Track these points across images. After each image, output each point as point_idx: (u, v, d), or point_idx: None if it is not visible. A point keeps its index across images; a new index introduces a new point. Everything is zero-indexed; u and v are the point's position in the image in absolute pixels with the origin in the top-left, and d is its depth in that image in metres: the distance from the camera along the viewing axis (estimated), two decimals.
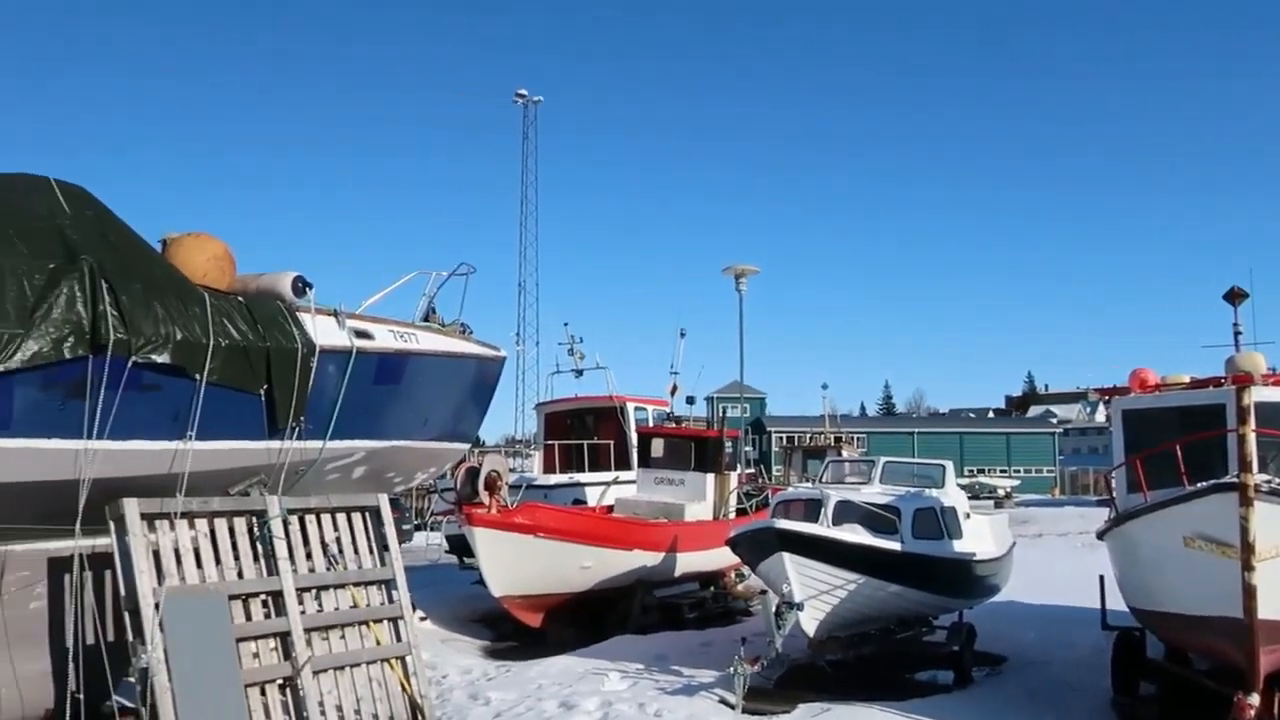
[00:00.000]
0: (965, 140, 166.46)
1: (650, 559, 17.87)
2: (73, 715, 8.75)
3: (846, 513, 13.84)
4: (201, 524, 9.55)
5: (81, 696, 8.86)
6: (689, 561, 18.80)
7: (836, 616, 12.82)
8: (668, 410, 24.13)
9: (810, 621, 12.50)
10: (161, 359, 8.93)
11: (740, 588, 20.87)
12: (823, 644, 13.04)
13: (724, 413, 22.29)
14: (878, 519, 13.68)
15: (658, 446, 20.73)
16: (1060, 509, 48.72)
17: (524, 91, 57.61)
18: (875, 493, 14.61)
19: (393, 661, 10.64)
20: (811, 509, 13.86)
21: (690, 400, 23.81)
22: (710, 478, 20.09)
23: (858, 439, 62.67)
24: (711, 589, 20.05)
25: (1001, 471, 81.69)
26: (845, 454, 33.86)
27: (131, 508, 8.90)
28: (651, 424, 23.46)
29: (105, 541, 9.14)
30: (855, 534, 13.29)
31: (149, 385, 8.93)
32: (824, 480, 16.26)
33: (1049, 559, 25.58)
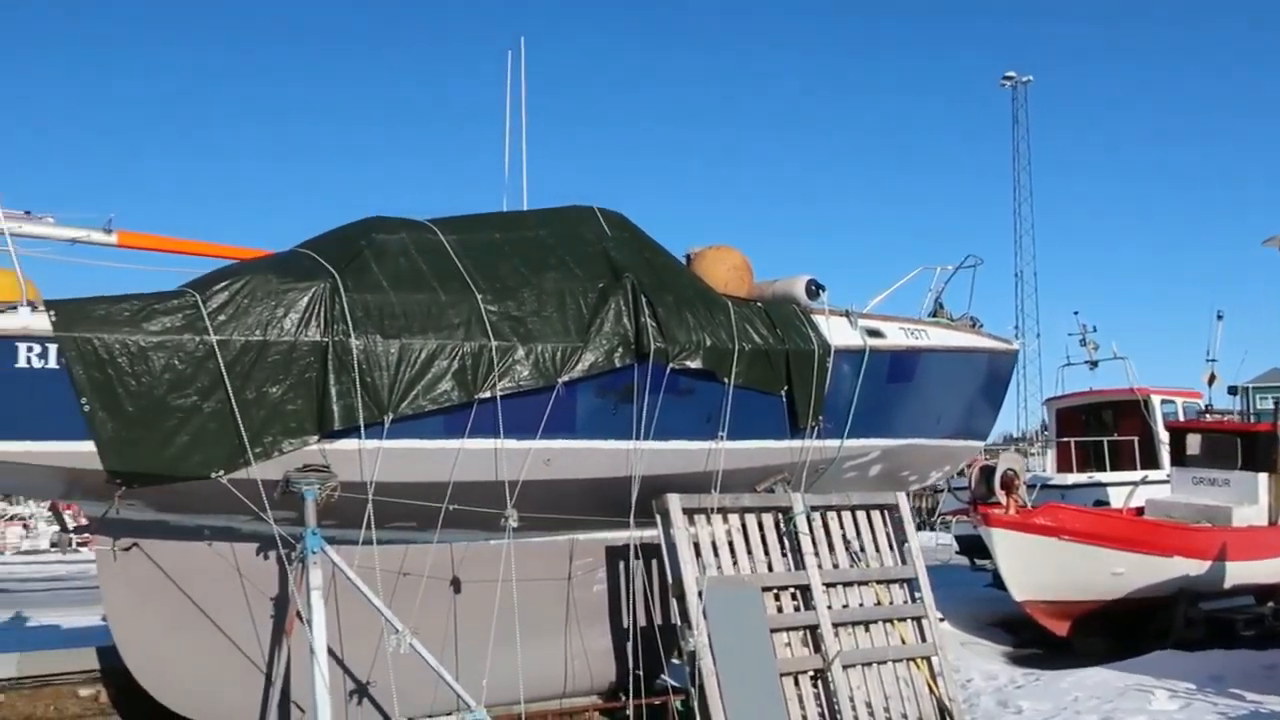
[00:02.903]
0: None
1: (1193, 567, 16.06)
2: (634, 690, 9.66)
3: None
4: (734, 519, 10.14)
5: (640, 672, 9.76)
6: (1241, 571, 16.64)
7: None
8: (1202, 403, 21.64)
9: None
10: (694, 365, 9.62)
11: None
12: None
13: (1276, 404, 19.52)
14: None
15: (1194, 443, 18.61)
16: None
17: (1012, 73, 54.72)
18: None
19: (919, 661, 10.56)
20: None
21: (1232, 390, 21.12)
22: (1263, 478, 17.65)
23: None
24: (1270, 604, 17.58)
25: None
26: None
27: (675, 503, 9.67)
28: (1182, 418, 21.17)
29: (652, 533, 10.02)
30: None
31: (685, 390, 9.65)
32: None
33: None
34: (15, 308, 7.48)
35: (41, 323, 7.49)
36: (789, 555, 10.28)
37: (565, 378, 8.99)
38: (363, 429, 8.25)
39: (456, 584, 9.57)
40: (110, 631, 8.78)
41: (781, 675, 9.62)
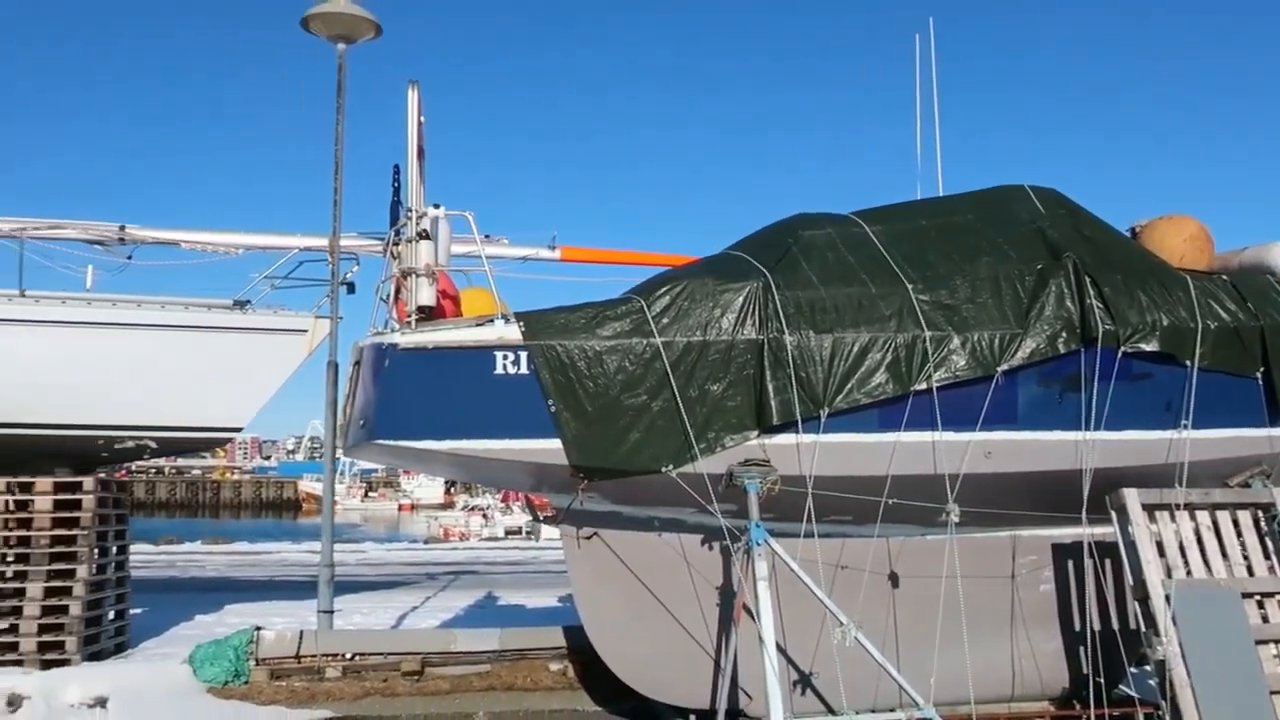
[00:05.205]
0: None
1: None
2: (1092, 698, 9.01)
3: None
4: (1202, 516, 9.14)
5: (1100, 680, 9.09)
6: None
7: None
8: None
9: None
10: (1150, 347, 8.84)
11: None
12: None
13: None
14: None
15: None
16: None
17: None
18: None
19: None
20: None
21: None
22: None
23: None
24: None
25: None
26: None
27: (1132, 498, 8.90)
28: None
29: (1104, 530, 9.29)
30: None
31: (1139, 375, 8.89)
32: None
33: None
34: (492, 321, 8.41)
35: (513, 333, 8.36)
36: (1273, 557, 9.09)
37: (1005, 366, 8.62)
38: (800, 424, 8.38)
39: (894, 579, 9.46)
40: (576, 612, 9.60)
41: (1272, 693, 8.53)
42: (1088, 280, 8.85)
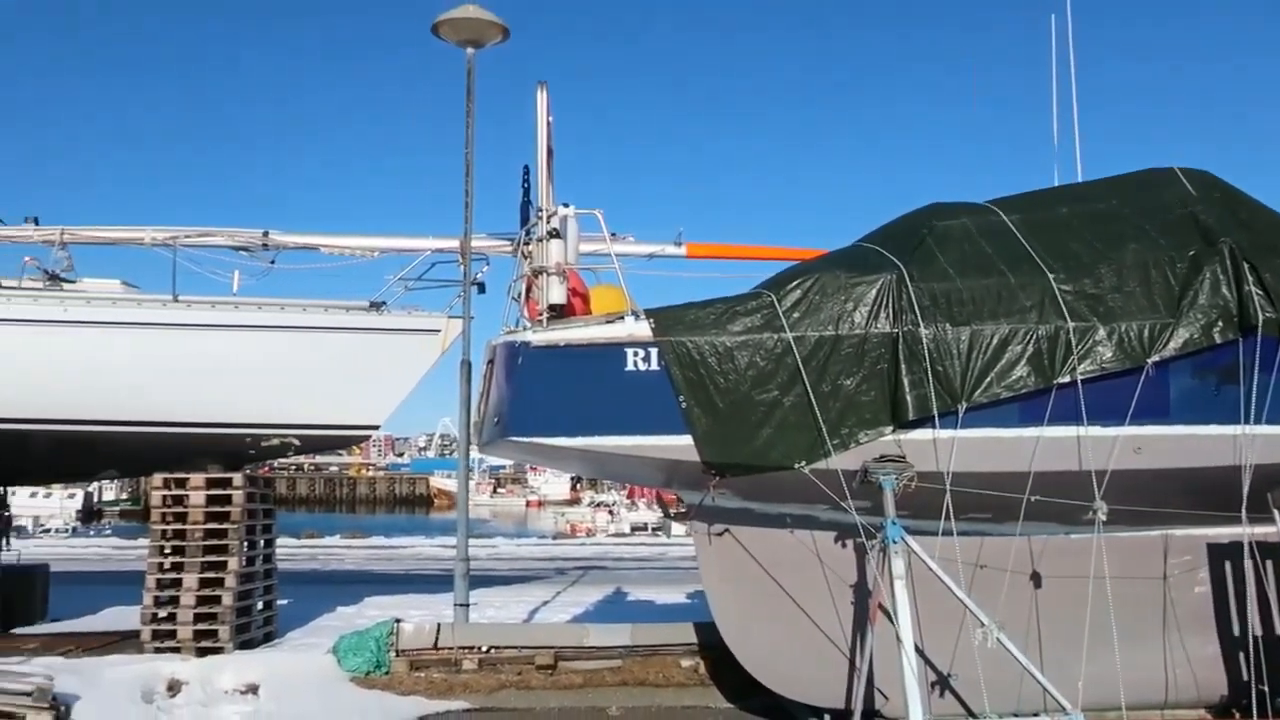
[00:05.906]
0: None
1: None
2: (1256, 707, 8.53)
3: None
4: None
5: (1263, 688, 8.61)
6: None
7: None
8: None
9: None
10: None
11: None
12: None
13: None
14: None
15: None
16: None
17: None
18: None
19: None
20: None
21: None
22: None
23: None
24: None
25: None
26: None
27: None
28: None
29: (1266, 530, 8.80)
30: None
31: None
32: None
33: None
34: (622, 318, 8.44)
35: (643, 330, 8.38)
36: None
37: (1155, 357, 8.27)
38: (936, 419, 8.18)
39: (1036, 579, 9.14)
40: (707, 608, 9.56)
41: None
42: (1246, 266, 8.41)
